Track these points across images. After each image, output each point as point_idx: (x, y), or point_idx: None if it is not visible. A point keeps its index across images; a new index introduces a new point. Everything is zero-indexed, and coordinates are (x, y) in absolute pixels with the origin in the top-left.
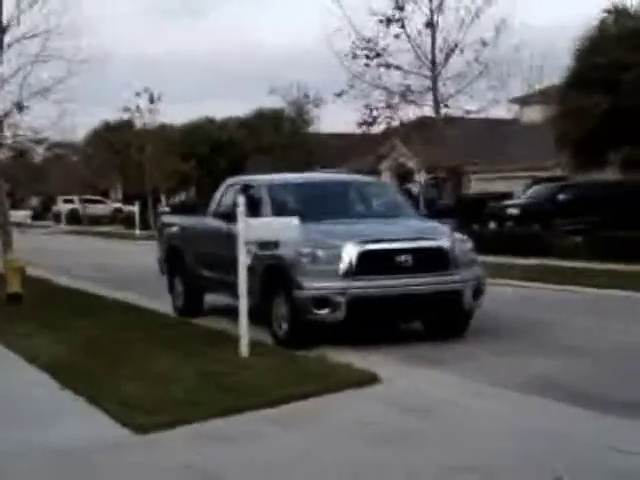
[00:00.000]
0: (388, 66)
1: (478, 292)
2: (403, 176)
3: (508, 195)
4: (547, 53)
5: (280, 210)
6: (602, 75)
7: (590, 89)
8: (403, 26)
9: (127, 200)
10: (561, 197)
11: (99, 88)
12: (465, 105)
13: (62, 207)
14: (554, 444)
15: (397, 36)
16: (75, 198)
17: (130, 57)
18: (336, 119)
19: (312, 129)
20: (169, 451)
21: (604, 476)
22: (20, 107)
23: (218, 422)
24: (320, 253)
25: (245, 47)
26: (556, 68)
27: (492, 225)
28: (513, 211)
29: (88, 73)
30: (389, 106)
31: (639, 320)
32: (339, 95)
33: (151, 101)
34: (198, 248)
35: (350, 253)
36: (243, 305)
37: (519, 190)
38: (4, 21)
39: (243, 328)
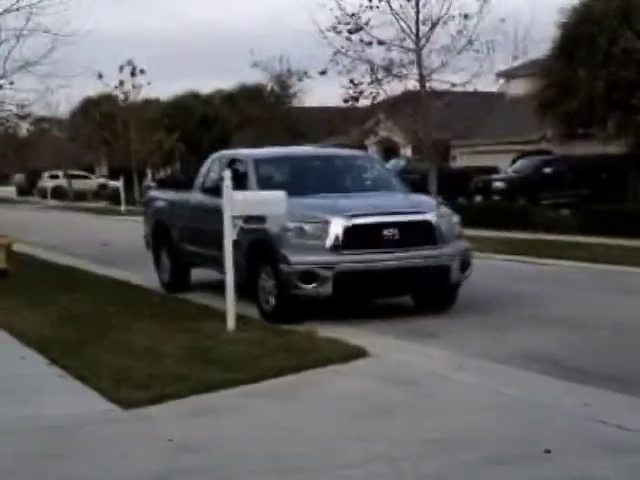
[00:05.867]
0: (370, 42)
1: (465, 265)
2: (389, 150)
3: (493, 169)
4: (531, 25)
5: (266, 184)
6: (589, 46)
7: (576, 60)
8: None
9: (112, 175)
10: (546, 171)
11: (82, 63)
12: (450, 78)
13: (47, 183)
14: (538, 416)
15: (377, 7)
16: (60, 174)
17: (112, 34)
18: (322, 92)
19: (297, 103)
20: (154, 425)
21: (587, 448)
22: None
23: (204, 396)
24: (306, 227)
25: (227, 22)
26: (540, 41)
27: (478, 199)
28: (499, 185)
29: (72, 47)
30: (373, 81)
31: (624, 293)
32: (322, 73)
33: (133, 74)
34: (184, 223)
35: (337, 227)
36: (230, 279)
37: (505, 164)
38: None
39: (230, 302)
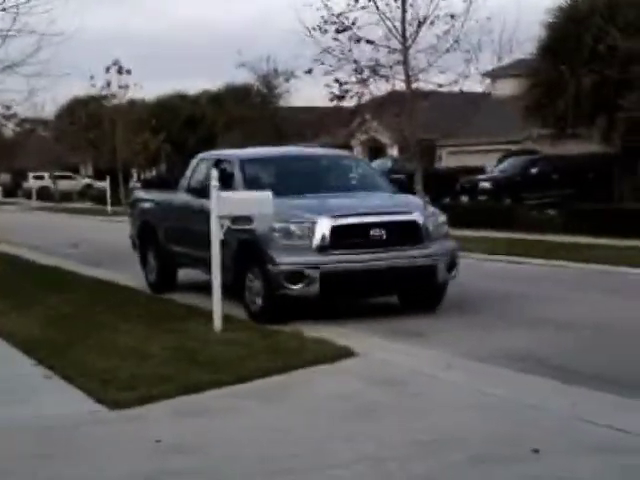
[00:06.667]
0: (358, 40)
1: (452, 265)
2: (375, 150)
3: (479, 169)
4: (517, 25)
5: (252, 185)
6: (574, 45)
7: (562, 60)
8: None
9: (97, 176)
10: (532, 170)
11: (69, 63)
12: (436, 79)
13: (33, 183)
14: (525, 416)
15: (364, 7)
16: (46, 174)
17: (98, 34)
18: (308, 93)
19: (284, 103)
20: (142, 426)
21: (574, 447)
22: None
23: (191, 397)
24: (293, 228)
25: (214, 22)
26: (526, 40)
27: (464, 199)
28: (485, 185)
29: (58, 47)
30: (360, 80)
31: (610, 292)
32: (308, 72)
33: (122, 72)
34: (170, 223)
35: (323, 227)
36: (216, 280)
37: (491, 164)
38: None
39: (216, 303)
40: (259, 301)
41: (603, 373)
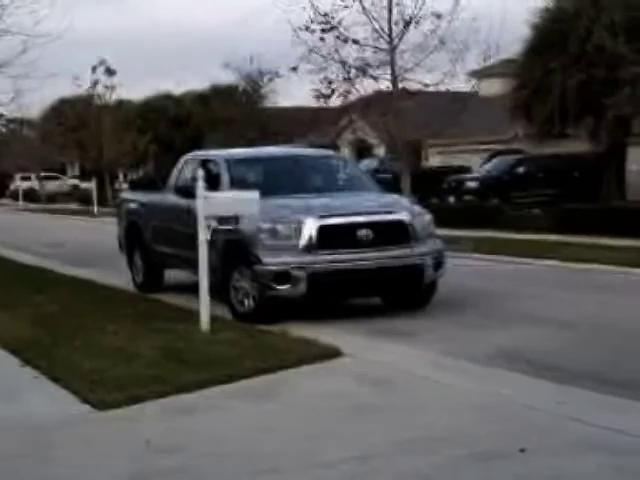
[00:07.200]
0: (345, 40)
1: (439, 265)
2: (362, 150)
3: (466, 168)
4: (503, 25)
5: (239, 185)
6: (561, 45)
7: (549, 59)
8: None
9: (84, 176)
10: (519, 170)
11: (56, 64)
12: (423, 78)
13: (20, 185)
14: (514, 415)
15: (349, 7)
16: (32, 175)
17: (84, 35)
18: (294, 92)
19: (269, 103)
20: (130, 426)
21: (563, 446)
22: None
23: (179, 397)
24: (280, 228)
25: (200, 21)
26: (513, 40)
27: (451, 199)
28: (471, 184)
29: (45, 48)
30: (346, 79)
31: (598, 291)
32: (294, 69)
33: (108, 72)
34: (157, 224)
35: (310, 228)
36: (203, 280)
37: (478, 163)
38: None
39: (203, 303)
40: (246, 301)
41: (594, 372)
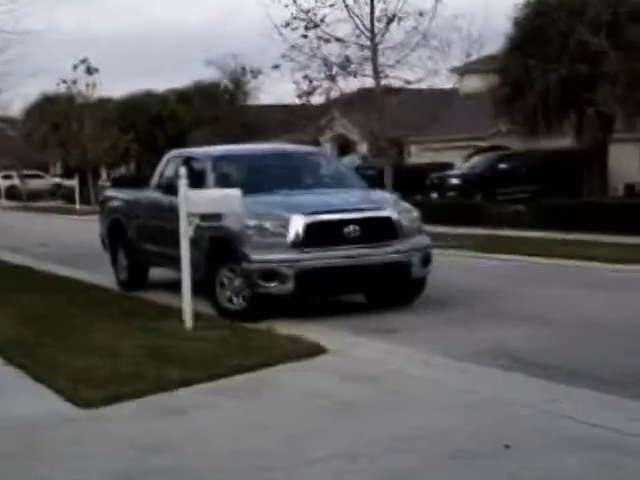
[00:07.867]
0: (328, 39)
1: (426, 261)
2: (344, 147)
3: (449, 165)
4: (485, 21)
5: (225, 182)
6: (543, 41)
7: (531, 56)
8: None
9: (67, 174)
10: (501, 166)
11: (37, 62)
12: (405, 75)
13: (1, 183)
14: (503, 412)
15: (332, 5)
16: (14, 173)
17: (65, 33)
18: (277, 89)
19: (252, 100)
20: (115, 425)
21: (552, 443)
22: None
23: (164, 395)
24: (267, 225)
25: (182, 19)
26: (495, 36)
27: (434, 195)
28: (454, 181)
29: (25, 47)
30: (328, 77)
31: (586, 288)
32: (275, 67)
33: (89, 72)
34: (141, 221)
35: (297, 225)
36: (186, 278)
37: (460, 160)
38: None
39: (187, 301)
40: (234, 299)
41: (582, 369)
